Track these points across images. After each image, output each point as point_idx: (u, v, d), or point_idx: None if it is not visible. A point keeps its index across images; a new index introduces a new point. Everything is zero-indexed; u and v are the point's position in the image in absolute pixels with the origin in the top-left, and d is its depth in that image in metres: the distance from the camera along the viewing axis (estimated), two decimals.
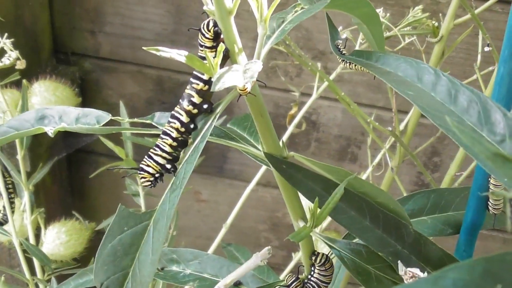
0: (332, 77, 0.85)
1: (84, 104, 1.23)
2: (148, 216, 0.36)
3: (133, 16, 1.18)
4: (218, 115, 0.38)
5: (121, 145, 0.92)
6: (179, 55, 0.35)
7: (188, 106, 0.38)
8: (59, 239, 0.92)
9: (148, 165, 0.38)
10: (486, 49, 0.79)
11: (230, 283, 0.39)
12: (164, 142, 0.38)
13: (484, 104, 0.38)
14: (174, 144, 0.38)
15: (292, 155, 0.43)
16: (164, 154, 0.38)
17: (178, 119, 0.38)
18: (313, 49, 1.15)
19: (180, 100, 0.39)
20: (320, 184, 0.42)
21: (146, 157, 0.39)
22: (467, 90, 0.39)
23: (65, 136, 1.21)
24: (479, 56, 0.83)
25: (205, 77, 0.37)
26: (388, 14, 0.83)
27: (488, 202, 0.48)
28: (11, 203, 0.83)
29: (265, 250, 0.37)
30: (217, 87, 0.32)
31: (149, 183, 0.39)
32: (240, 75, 0.32)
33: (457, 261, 0.45)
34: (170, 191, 0.36)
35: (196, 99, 0.38)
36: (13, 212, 0.84)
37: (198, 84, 0.38)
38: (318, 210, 0.42)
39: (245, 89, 0.34)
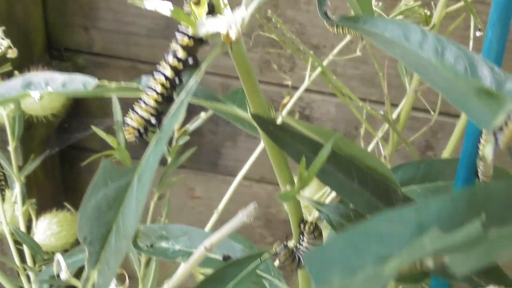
0: (324, 63, 0.85)
1: (77, 100, 1.23)
2: (132, 169, 0.36)
3: (125, 12, 1.18)
4: (204, 69, 0.38)
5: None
6: (163, 7, 0.35)
7: (173, 61, 0.38)
8: (50, 230, 0.91)
9: (132, 119, 0.38)
10: (478, 34, 0.79)
11: (215, 242, 0.39)
12: (149, 96, 0.38)
13: (471, 60, 0.38)
14: (159, 99, 0.38)
15: (279, 117, 0.43)
16: (149, 109, 0.38)
17: (163, 74, 0.38)
18: (307, 43, 1.15)
19: (165, 55, 0.39)
20: (308, 146, 0.42)
21: (130, 110, 0.38)
22: (453, 47, 0.39)
23: (58, 131, 1.21)
24: (471, 43, 0.83)
25: (190, 32, 0.37)
26: (380, 3, 0.83)
27: (478, 169, 0.48)
28: (1, 190, 0.83)
29: (251, 206, 0.37)
30: (201, 32, 0.32)
31: (134, 138, 0.38)
32: (223, 21, 0.32)
33: None
34: (154, 145, 0.36)
35: (181, 54, 0.38)
36: (3, 199, 0.83)
37: (183, 40, 0.37)
38: (306, 172, 0.42)
39: (230, 37, 0.34)
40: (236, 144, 1.27)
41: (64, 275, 0.38)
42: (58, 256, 0.39)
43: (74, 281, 0.38)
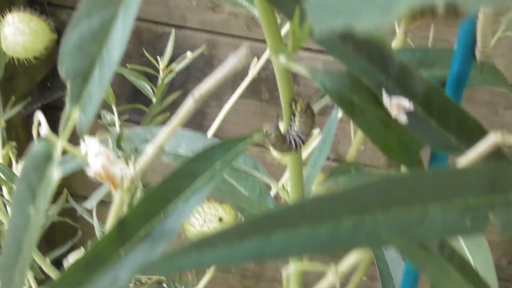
0: None
1: None
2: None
3: None
4: None
5: None
6: None
7: None
8: None
9: None
10: None
11: (206, 91, 0.37)
12: None
13: None
14: None
15: None
16: None
17: None
18: None
19: None
20: (301, 4, 0.40)
21: None
22: None
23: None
24: None
25: None
26: None
27: (475, 48, 0.46)
28: None
29: (242, 50, 0.35)
30: None
31: None
32: None
33: (443, 93, 0.43)
34: None
35: None
36: None
37: None
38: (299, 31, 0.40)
39: None
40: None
41: (44, 130, 0.36)
42: (39, 114, 0.37)
43: (52, 138, 0.35)
